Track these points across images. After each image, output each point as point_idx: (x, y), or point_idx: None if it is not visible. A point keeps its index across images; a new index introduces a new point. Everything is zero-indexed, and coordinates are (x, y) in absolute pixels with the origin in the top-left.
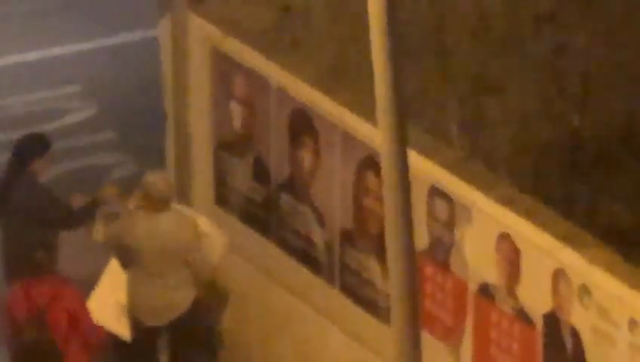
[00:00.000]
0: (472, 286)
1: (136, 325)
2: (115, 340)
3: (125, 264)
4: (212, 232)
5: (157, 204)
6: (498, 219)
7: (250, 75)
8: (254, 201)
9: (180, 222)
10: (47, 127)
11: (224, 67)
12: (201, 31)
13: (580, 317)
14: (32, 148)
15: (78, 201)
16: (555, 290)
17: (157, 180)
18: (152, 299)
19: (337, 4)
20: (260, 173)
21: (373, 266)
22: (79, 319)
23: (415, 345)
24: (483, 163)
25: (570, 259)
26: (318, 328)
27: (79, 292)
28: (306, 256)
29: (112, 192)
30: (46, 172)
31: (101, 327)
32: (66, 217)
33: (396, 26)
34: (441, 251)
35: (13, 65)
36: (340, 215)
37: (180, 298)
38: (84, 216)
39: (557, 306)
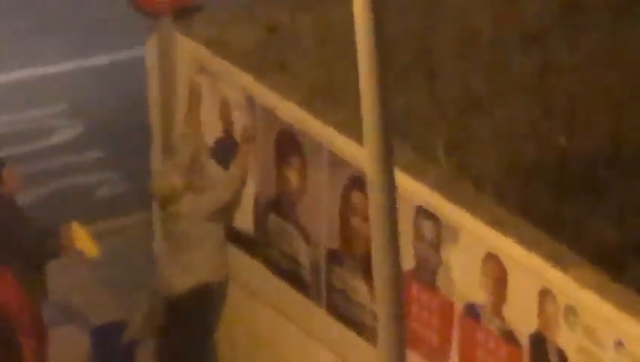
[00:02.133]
0: (459, 306)
1: None
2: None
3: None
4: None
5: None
6: (485, 239)
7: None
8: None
9: (195, 208)
10: (33, 146)
11: None
12: (188, 51)
13: (566, 338)
14: None
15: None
16: (542, 310)
17: (160, 185)
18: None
19: (324, 24)
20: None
21: (359, 286)
22: (23, 308)
23: None
24: (470, 183)
25: (557, 279)
26: (304, 348)
27: (16, 282)
28: (293, 276)
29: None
30: (18, 187)
31: (41, 318)
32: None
33: (383, 46)
34: (428, 271)
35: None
36: (326, 235)
37: (184, 278)
38: (48, 252)
39: (543, 326)
